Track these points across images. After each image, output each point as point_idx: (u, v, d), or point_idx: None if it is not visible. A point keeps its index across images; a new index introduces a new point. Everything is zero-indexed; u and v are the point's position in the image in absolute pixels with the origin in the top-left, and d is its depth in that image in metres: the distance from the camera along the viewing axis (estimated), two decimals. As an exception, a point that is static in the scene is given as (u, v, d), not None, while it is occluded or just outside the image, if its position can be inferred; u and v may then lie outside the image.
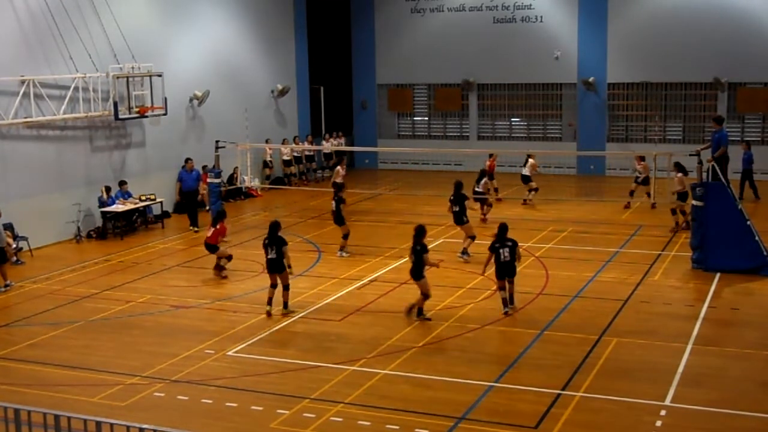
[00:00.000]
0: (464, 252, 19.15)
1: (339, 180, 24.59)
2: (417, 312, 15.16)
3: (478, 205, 21.35)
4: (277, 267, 15.42)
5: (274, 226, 15.59)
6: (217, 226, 18.47)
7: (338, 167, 25.02)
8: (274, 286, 15.56)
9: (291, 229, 22.50)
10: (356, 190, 27.59)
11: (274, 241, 15.40)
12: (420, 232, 15.15)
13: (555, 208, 24.27)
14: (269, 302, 15.52)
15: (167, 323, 15.50)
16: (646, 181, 24.10)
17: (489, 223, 22.22)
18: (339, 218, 19.84)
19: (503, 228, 15.44)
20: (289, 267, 15.51)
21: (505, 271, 15.20)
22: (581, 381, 12.20)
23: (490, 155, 26.95)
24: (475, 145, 33.19)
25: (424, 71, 34.24)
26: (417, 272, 15.08)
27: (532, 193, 25.59)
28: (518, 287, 16.95)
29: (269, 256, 15.42)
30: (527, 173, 25.77)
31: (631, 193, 24.61)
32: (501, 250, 15.11)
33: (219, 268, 18.48)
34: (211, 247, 18.51)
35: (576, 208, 24.44)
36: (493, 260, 15.26)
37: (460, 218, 19.26)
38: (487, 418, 11.11)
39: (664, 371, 12.52)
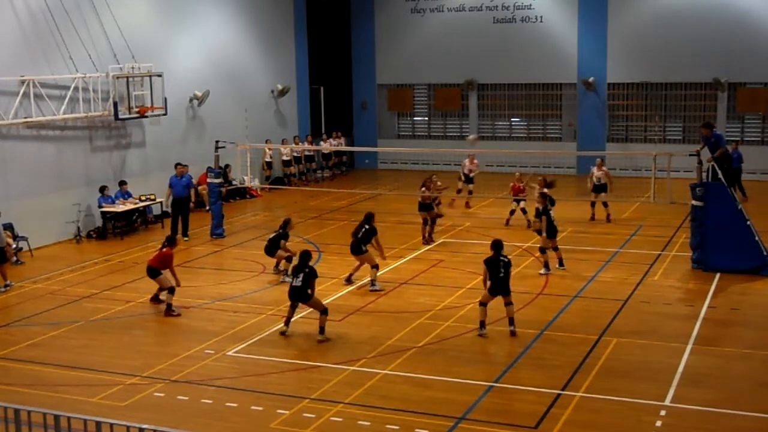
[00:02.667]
0: (372, 283, 17.23)
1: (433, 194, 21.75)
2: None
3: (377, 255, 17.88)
4: (301, 296, 14.23)
5: (305, 256, 14.42)
6: (164, 250, 16.13)
7: (432, 179, 22.16)
8: (294, 306, 14.45)
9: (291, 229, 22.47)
10: (356, 190, 27.60)
11: (303, 270, 14.25)
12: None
13: (555, 208, 24.20)
14: (287, 322, 14.41)
15: (167, 323, 15.49)
16: (604, 188, 23.30)
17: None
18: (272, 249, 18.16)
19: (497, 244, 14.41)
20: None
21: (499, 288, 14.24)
22: (581, 381, 12.20)
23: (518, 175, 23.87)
24: (475, 145, 33.16)
25: (424, 71, 34.24)
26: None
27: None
28: (518, 287, 17.00)
29: (294, 284, 14.30)
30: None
31: (593, 204, 23.48)
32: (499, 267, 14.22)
33: (156, 299, 16.36)
34: (153, 271, 15.98)
35: (576, 208, 24.41)
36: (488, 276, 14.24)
37: (358, 248, 17.28)
38: (487, 418, 11.11)
39: (664, 371, 12.52)
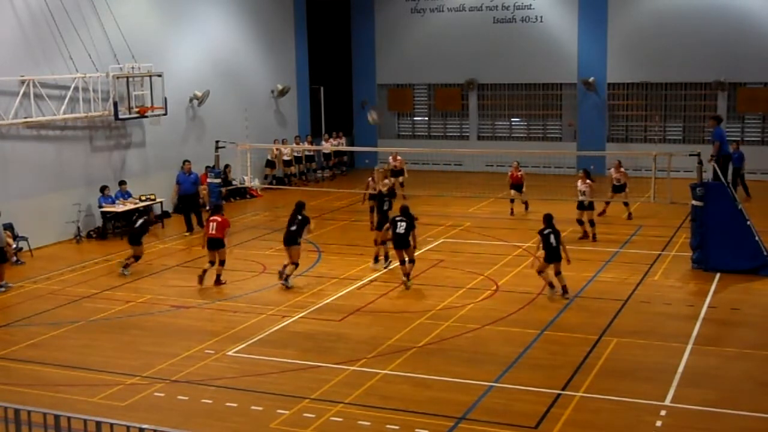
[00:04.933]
0: (286, 278, 17.24)
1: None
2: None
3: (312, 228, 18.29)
4: (403, 243, 17.22)
5: (405, 209, 17.48)
6: (219, 218, 17.59)
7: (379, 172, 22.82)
8: (402, 262, 17.28)
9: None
10: (356, 190, 27.57)
11: (405, 217, 17.37)
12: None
13: (555, 208, 24.15)
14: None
15: (167, 323, 15.49)
16: (623, 188, 23.63)
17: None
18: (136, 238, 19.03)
19: (548, 217, 16.59)
20: (414, 247, 17.55)
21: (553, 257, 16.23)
22: (581, 381, 12.19)
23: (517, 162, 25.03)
24: (475, 145, 33.21)
25: (424, 71, 34.23)
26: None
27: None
28: (518, 287, 17.04)
29: (397, 231, 17.23)
30: None
31: (607, 203, 23.89)
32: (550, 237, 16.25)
33: (218, 282, 17.51)
34: (217, 242, 17.47)
35: (576, 208, 24.37)
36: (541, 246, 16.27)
37: (293, 239, 17.41)
38: (487, 418, 11.11)
39: (664, 371, 12.52)
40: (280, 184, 29.97)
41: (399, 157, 27.61)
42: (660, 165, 21.50)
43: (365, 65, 35.22)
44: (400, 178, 27.01)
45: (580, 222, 21.40)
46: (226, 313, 15.86)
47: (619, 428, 10.87)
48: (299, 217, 17.53)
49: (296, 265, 17.46)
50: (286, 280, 17.25)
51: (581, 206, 21.57)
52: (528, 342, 13.89)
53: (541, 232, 16.33)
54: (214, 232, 17.47)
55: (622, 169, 23.87)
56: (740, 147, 26.63)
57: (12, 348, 14.24)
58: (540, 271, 16.40)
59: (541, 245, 16.26)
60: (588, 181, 21.58)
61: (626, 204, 23.67)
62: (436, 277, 18.04)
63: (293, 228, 17.46)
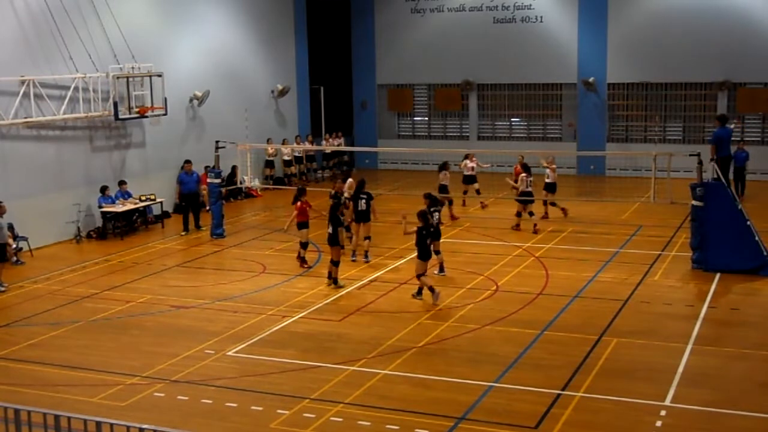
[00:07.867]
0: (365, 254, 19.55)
1: None
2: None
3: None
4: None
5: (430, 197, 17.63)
6: (297, 204, 19.23)
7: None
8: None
9: (291, 229, 22.42)
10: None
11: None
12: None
13: (555, 208, 24.26)
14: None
15: (167, 323, 15.49)
16: (554, 188, 23.31)
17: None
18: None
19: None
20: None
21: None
22: (581, 381, 12.19)
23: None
24: (475, 145, 33.18)
25: (424, 71, 34.25)
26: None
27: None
28: (518, 287, 17.04)
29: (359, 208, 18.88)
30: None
31: (545, 203, 23.52)
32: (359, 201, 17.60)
33: (302, 260, 19.27)
34: (303, 223, 19.31)
35: (576, 208, 24.41)
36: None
37: (366, 216, 19.75)
38: (487, 418, 11.11)
39: (664, 371, 12.52)
40: (280, 183, 29.96)
41: (471, 163, 25.26)
42: (660, 165, 21.47)
43: (365, 65, 35.22)
44: (476, 186, 25.12)
45: (545, 203, 23.49)
46: (226, 313, 15.86)
47: (619, 428, 10.87)
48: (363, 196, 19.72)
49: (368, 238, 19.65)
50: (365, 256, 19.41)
51: (550, 188, 23.42)
52: (528, 342, 13.89)
53: (418, 229, 16.18)
54: (298, 216, 19.32)
55: (554, 166, 23.65)
56: (744, 146, 26.58)
57: (12, 348, 14.25)
58: (419, 275, 16.09)
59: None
60: (554, 165, 23.48)
61: (554, 204, 23.48)
62: (436, 277, 18.03)
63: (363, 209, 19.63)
